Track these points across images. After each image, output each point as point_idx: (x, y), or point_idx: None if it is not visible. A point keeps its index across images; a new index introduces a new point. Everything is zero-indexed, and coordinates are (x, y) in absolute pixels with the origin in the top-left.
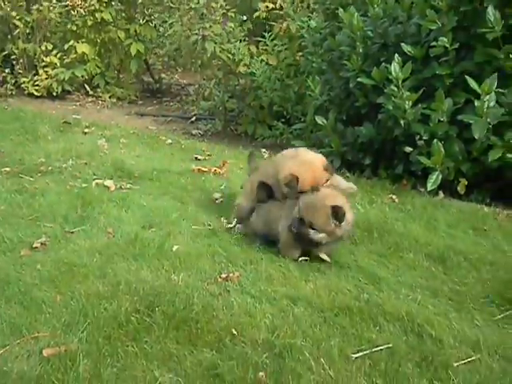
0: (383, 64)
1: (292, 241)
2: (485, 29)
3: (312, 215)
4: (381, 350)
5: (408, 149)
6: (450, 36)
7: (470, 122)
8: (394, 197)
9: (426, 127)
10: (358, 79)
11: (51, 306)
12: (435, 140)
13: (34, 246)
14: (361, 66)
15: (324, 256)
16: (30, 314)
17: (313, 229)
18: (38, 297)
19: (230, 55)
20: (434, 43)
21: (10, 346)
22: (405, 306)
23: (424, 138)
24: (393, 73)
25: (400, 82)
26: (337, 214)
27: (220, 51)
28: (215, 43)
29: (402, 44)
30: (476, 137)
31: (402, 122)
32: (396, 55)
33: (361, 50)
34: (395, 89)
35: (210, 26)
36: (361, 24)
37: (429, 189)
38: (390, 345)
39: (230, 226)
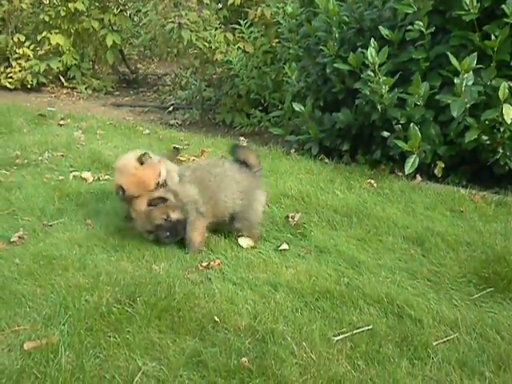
0: (359, 49)
1: None
2: (460, 11)
3: None
4: (362, 331)
5: (385, 133)
6: (425, 20)
7: (448, 101)
8: (372, 182)
9: (403, 111)
10: (335, 65)
11: (31, 300)
12: (412, 124)
13: (11, 240)
14: (337, 51)
15: None
16: (10, 307)
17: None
18: (18, 290)
19: (206, 43)
20: (409, 27)
21: None
22: (384, 288)
23: (401, 122)
24: (369, 58)
25: (376, 67)
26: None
27: (196, 39)
28: (191, 31)
29: (380, 27)
30: (454, 115)
31: (378, 106)
32: (372, 40)
33: (337, 36)
34: (372, 74)
35: (186, 14)
36: (337, 9)
37: (406, 172)
38: (371, 327)
39: None
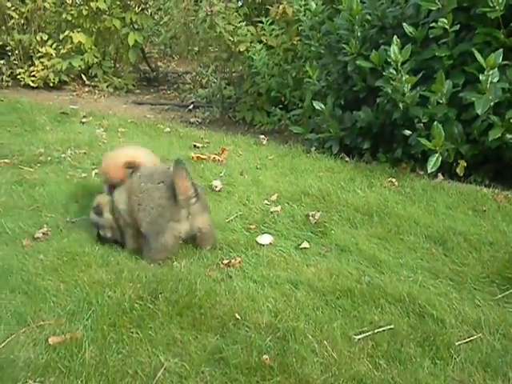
0: (382, 47)
1: None
2: (485, 8)
3: None
4: (383, 331)
5: (407, 132)
6: (450, 17)
7: (472, 99)
8: (393, 180)
9: (425, 110)
10: (357, 62)
11: (55, 295)
12: (435, 122)
13: (35, 236)
14: (359, 49)
15: None
16: (35, 303)
17: None
18: (42, 286)
19: (230, 38)
20: (433, 24)
21: (15, 335)
22: (406, 288)
23: (423, 120)
24: (392, 55)
25: (399, 65)
26: None
27: (225, 31)
28: (223, 18)
29: (404, 24)
30: (479, 113)
31: (400, 105)
32: (395, 37)
33: (359, 34)
34: (394, 72)
35: (218, 3)
36: (360, 7)
37: (428, 171)
38: (392, 326)
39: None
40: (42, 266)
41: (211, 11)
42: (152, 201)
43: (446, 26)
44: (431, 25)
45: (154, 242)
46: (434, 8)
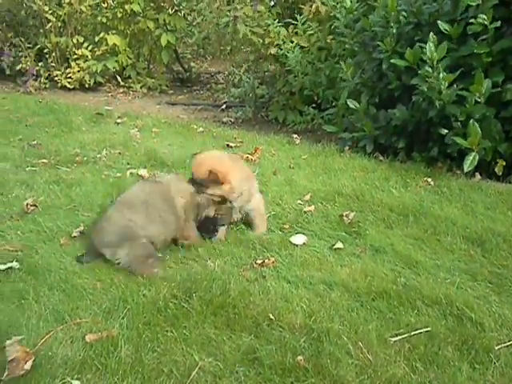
0: (417, 44)
1: None
2: None
3: None
4: (420, 333)
5: (443, 130)
6: (490, 13)
7: None
8: (429, 180)
9: (462, 108)
10: (391, 60)
11: (92, 293)
12: (472, 120)
13: (72, 235)
14: (394, 46)
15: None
16: (72, 300)
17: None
18: (79, 284)
19: (260, 39)
20: (471, 20)
21: (53, 332)
22: (443, 290)
23: (460, 118)
24: (428, 53)
25: (435, 63)
26: None
27: (251, 34)
28: (246, 25)
29: (439, 22)
30: None
31: (437, 103)
32: (431, 34)
33: (394, 31)
34: (430, 70)
35: (241, 8)
36: (395, 4)
37: (465, 170)
38: (429, 328)
39: None
40: (79, 264)
41: (234, 17)
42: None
43: (486, 22)
44: (470, 21)
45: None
46: (473, 4)
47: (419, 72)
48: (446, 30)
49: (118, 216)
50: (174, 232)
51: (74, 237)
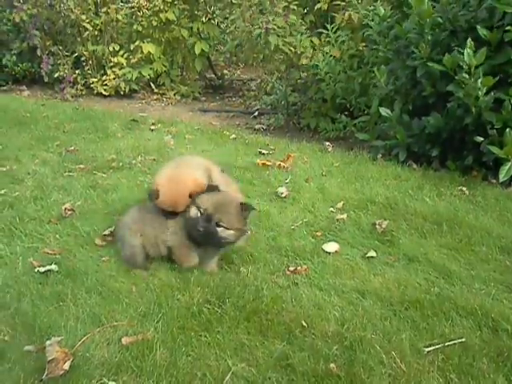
0: (455, 50)
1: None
2: None
3: (221, 212)
4: (454, 344)
5: (479, 138)
6: None
7: None
8: (463, 189)
9: (499, 115)
10: (429, 64)
11: (128, 297)
12: (508, 129)
13: (109, 239)
14: (429, 53)
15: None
16: (108, 303)
17: (220, 226)
18: (115, 287)
19: (292, 48)
20: (508, 28)
21: (91, 334)
22: (478, 300)
23: (496, 126)
24: (465, 59)
25: (473, 69)
26: (245, 210)
27: (283, 44)
28: (278, 36)
29: (478, 27)
30: None
31: (473, 110)
32: (469, 40)
33: (429, 38)
34: (466, 76)
35: (273, 19)
36: (431, 10)
37: (501, 180)
38: (464, 339)
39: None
40: (116, 268)
41: (266, 28)
42: None
43: None
44: (506, 28)
45: None
46: (509, 11)
47: (456, 78)
48: (484, 35)
49: None
50: None
51: (111, 241)
